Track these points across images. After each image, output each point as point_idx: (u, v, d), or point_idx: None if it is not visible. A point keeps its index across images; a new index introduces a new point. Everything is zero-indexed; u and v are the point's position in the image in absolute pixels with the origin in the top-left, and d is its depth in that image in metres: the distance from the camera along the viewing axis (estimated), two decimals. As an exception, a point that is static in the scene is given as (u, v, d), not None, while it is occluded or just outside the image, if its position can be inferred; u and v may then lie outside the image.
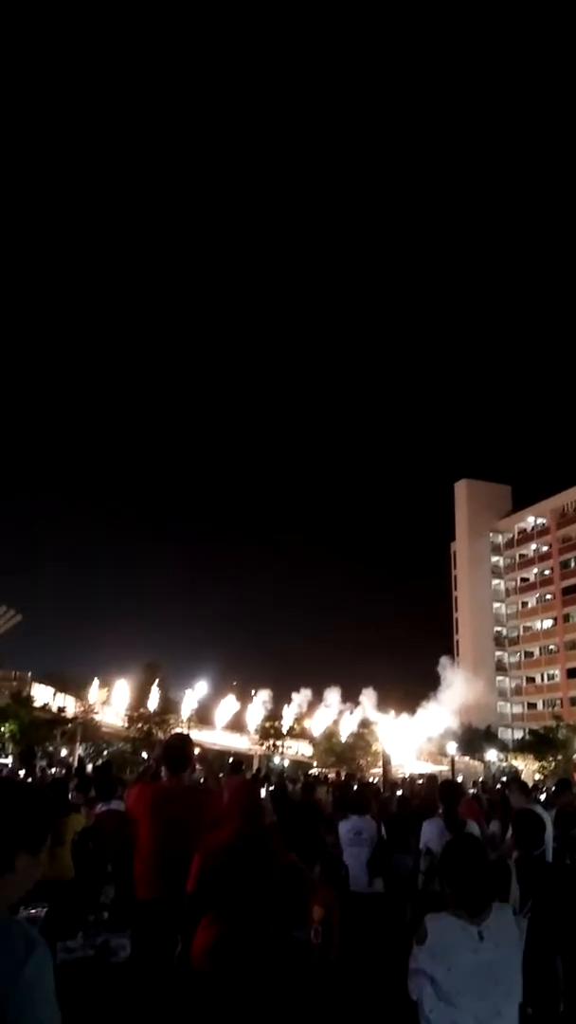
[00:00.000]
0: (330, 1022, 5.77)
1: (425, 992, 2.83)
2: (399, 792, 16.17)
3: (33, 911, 4.89)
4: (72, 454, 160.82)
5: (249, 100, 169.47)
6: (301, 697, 57.66)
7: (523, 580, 78.85)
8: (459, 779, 22.28)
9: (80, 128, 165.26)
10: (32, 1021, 1.45)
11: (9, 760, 34.65)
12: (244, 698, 58.62)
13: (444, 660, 46.98)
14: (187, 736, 5.02)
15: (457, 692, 44.31)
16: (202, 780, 18.64)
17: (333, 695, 55.84)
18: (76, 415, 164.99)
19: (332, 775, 23.63)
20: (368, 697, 51.51)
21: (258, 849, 3.89)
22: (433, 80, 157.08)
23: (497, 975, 2.81)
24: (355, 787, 13.17)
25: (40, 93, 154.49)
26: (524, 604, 78.40)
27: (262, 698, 57.50)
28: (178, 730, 53.47)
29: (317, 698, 57.62)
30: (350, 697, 55.33)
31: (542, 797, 14.73)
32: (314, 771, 37.72)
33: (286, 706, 57.64)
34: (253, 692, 57.96)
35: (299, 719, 57.36)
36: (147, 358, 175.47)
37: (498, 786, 18.54)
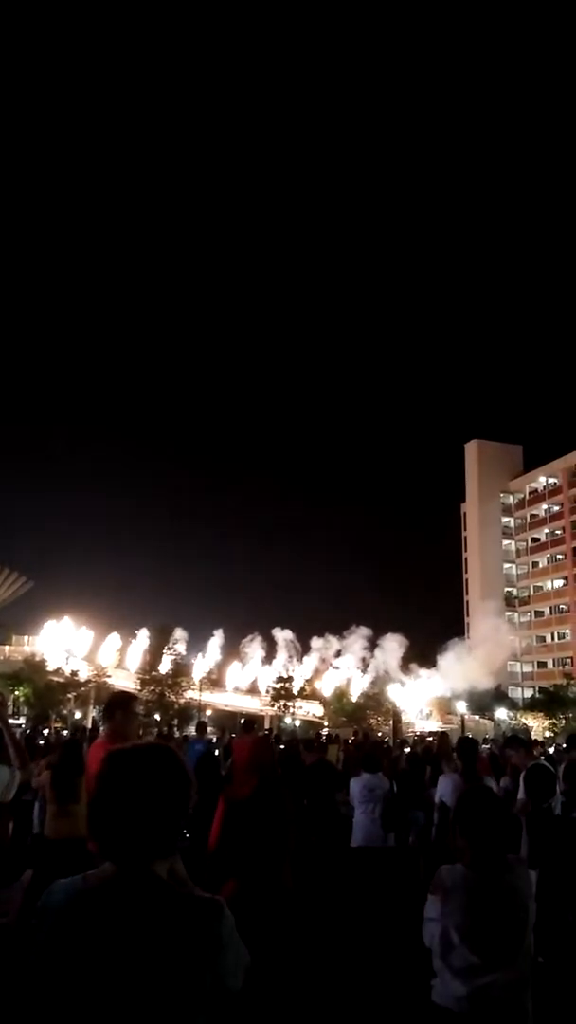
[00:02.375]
0: (342, 974, 5.87)
1: (439, 940, 2.87)
2: (406, 750, 16.32)
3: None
4: (79, 401, 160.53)
5: (250, 94, 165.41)
6: (321, 643, 58.66)
7: (534, 540, 78.69)
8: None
9: (89, 117, 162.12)
10: (232, 967, 1.63)
11: (22, 721, 35.14)
12: (243, 654, 59.73)
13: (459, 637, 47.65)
14: (127, 693, 5.33)
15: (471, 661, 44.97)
16: (214, 740, 18.83)
17: (357, 641, 56.72)
18: (97, 372, 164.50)
19: (351, 737, 23.87)
20: (392, 644, 52.38)
21: (278, 803, 3.92)
22: (433, 68, 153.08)
23: (510, 924, 2.84)
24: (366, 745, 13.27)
25: (42, 90, 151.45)
26: (535, 564, 78.37)
27: (284, 638, 58.57)
28: (191, 693, 54.31)
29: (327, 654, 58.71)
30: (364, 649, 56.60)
31: (550, 751, 14.83)
32: (325, 731, 38.13)
33: (298, 664, 58.50)
34: (275, 631, 58.83)
35: (310, 681, 58.01)
36: (157, 310, 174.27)
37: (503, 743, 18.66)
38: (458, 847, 2.98)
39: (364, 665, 56.49)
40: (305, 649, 59.62)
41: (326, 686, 57.62)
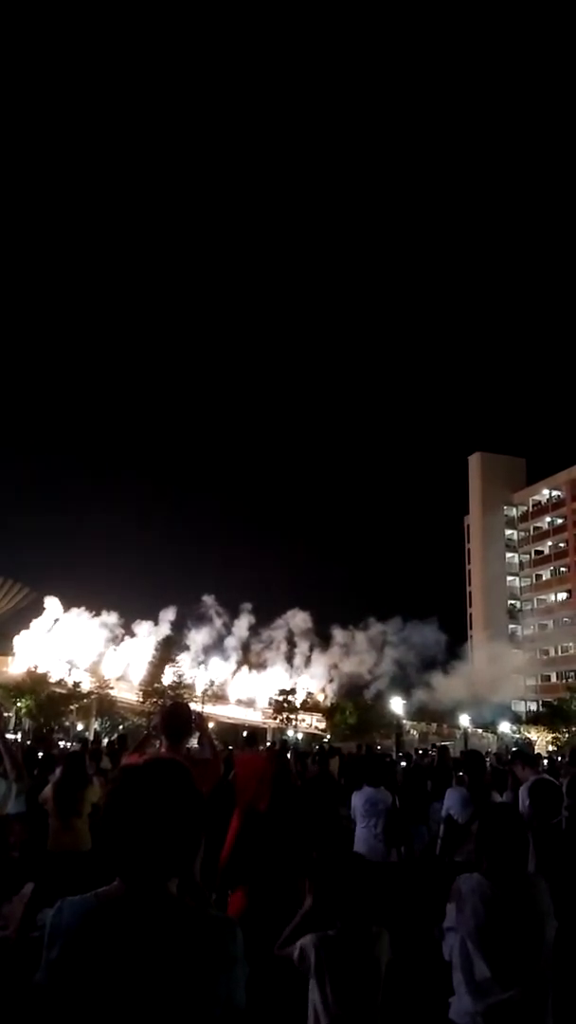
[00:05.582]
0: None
1: (458, 952, 2.85)
2: (403, 764, 16.23)
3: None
4: (88, 420, 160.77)
5: (250, 100, 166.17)
6: (345, 636, 59.53)
7: (538, 553, 78.59)
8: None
9: (87, 118, 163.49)
10: (242, 984, 1.61)
11: (19, 736, 34.97)
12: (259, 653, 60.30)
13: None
14: (185, 704, 4.89)
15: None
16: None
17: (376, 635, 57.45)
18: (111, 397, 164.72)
19: (352, 751, 23.79)
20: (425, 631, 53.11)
21: (294, 817, 3.94)
22: (433, 67, 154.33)
23: (528, 936, 2.81)
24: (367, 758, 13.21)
25: (42, 90, 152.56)
26: (539, 577, 78.24)
27: (302, 622, 59.22)
28: (193, 706, 54.29)
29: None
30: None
31: (545, 763, 14.72)
32: (326, 744, 37.98)
33: (310, 661, 59.10)
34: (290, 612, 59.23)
35: (312, 694, 58.05)
36: (155, 307, 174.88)
37: (508, 757, 18.55)
38: (476, 859, 2.96)
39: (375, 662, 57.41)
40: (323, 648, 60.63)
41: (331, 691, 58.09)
